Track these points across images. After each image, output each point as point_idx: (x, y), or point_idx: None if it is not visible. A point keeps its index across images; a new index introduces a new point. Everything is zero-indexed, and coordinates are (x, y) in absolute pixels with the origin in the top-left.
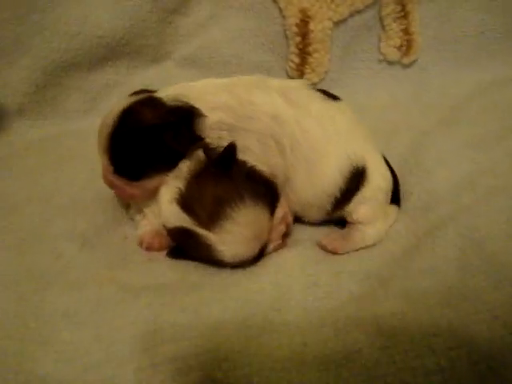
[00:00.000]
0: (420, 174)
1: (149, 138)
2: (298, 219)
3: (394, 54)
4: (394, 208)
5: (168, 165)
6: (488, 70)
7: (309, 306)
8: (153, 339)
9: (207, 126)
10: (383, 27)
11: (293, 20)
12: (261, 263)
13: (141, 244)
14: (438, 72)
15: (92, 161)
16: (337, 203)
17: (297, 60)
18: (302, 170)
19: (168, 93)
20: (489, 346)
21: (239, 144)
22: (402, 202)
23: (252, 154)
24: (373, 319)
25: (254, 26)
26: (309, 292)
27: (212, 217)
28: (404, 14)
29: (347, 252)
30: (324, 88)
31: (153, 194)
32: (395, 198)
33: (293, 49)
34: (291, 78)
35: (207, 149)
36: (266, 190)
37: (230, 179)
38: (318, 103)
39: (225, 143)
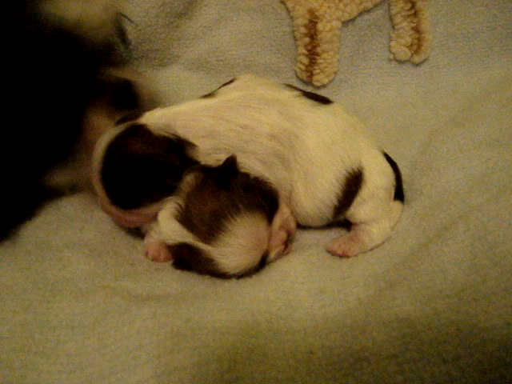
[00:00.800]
0: (431, 174)
1: (138, 170)
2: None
3: (404, 53)
4: (398, 203)
5: (162, 193)
6: (500, 67)
7: (315, 313)
8: (157, 350)
9: (201, 153)
10: (393, 26)
11: (301, 21)
12: (266, 271)
13: (146, 255)
14: (449, 70)
15: None
16: (337, 210)
17: (306, 61)
18: (301, 182)
19: (153, 120)
20: (501, 353)
21: (241, 162)
22: (413, 202)
23: (255, 172)
24: (380, 326)
25: (261, 27)
26: (315, 299)
27: (211, 231)
28: (414, 12)
29: (357, 254)
30: (334, 88)
31: (152, 219)
32: (399, 194)
33: (301, 50)
34: (300, 79)
35: (206, 167)
36: (263, 199)
37: (227, 192)
38: (312, 112)
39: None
